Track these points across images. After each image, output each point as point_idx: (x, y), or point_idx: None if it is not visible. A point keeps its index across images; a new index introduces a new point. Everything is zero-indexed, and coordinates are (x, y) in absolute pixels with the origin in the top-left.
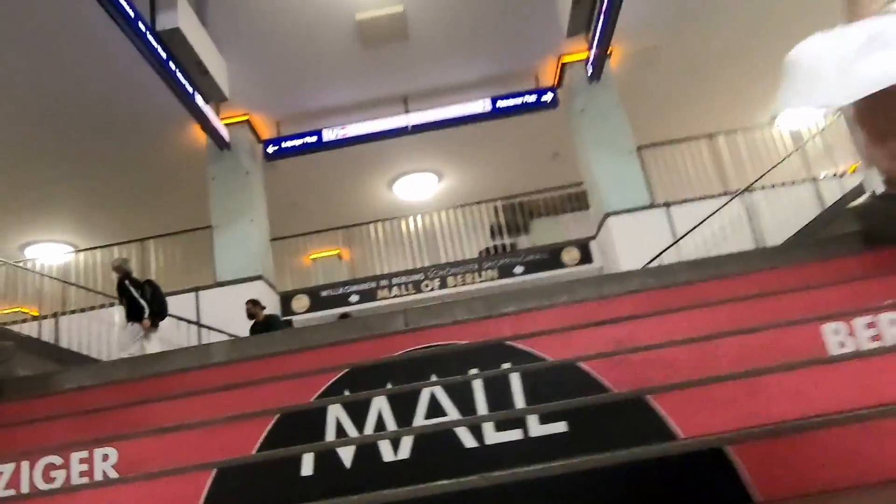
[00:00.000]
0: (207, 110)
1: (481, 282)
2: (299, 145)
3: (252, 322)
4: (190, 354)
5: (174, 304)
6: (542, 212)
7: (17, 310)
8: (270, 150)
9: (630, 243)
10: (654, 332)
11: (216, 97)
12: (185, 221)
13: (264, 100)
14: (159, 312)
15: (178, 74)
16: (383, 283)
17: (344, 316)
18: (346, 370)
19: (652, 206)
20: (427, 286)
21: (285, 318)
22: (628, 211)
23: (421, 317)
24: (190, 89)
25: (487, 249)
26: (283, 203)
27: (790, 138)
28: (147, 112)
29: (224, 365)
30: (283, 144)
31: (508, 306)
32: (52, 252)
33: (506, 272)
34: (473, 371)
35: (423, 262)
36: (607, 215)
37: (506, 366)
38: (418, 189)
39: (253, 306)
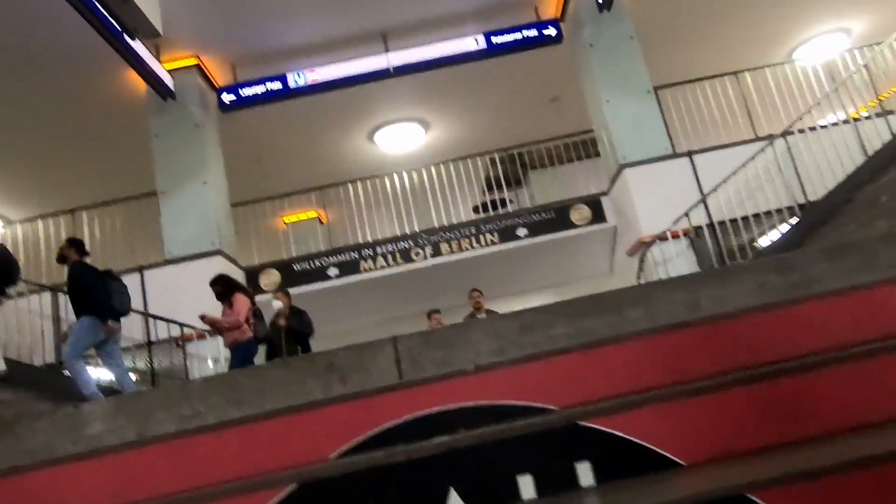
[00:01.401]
0: (142, 51)
1: (480, 248)
2: (261, 93)
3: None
4: (59, 422)
5: None
6: (541, 163)
7: None
8: (226, 98)
9: (650, 199)
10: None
11: (145, 32)
12: (125, 187)
13: (216, 38)
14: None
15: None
16: (367, 252)
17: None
18: (292, 487)
19: (675, 155)
20: (417, 254)
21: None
22: (646, 162)
23: (421, 352)
24: (114, 23)
25: (484, 204)
26: (245, 161)
27: (822, 73)
28: (68, 52)
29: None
30: (241, 92)
31: (556, 327)
32: None
33: (507, 235)
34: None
35: (413, 225)
36: (623, 167)
37: (583, 469)
38: (403, 141)
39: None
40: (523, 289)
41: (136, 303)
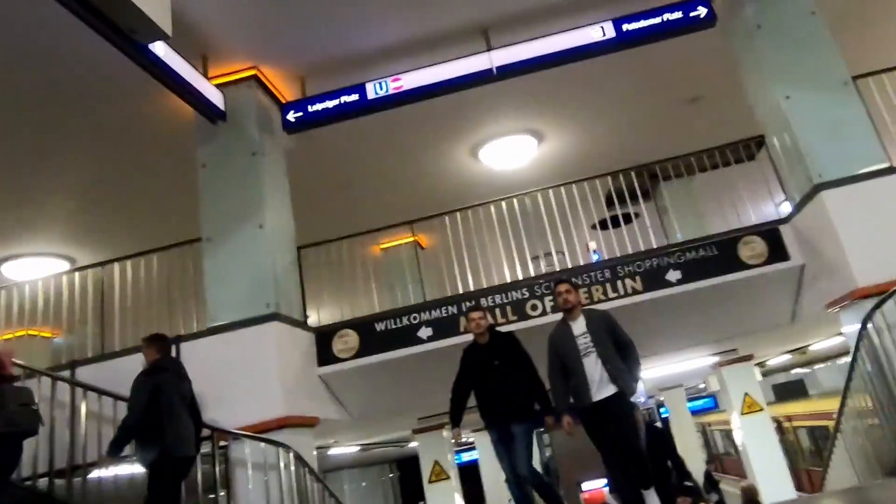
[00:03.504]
0: (176, 61)
1: (617, 297)
2: (334, 108)
3: None
4: None
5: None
6: (675, 171)
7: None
8: (292, 116)
9: (862, 232)
10: None
11: (147, 33)
12: (176, 233)
13: (278, 45)
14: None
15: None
16: (469, 305)
17: None
18: None
19: (892, 169)
20: (535, 308)
21: (323, 366)
22: (853, 180)
23: None
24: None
25: (603, 222)
26: (322, 192)
27: None
28: (106, 81)
29: None
30: (311, 108)
31: None
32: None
33: (654, 280)
34: None
35: (525, 260)
36: (818, 187)
37: None
38: (512, 156)
39: None
40: (673, 347)
41: None
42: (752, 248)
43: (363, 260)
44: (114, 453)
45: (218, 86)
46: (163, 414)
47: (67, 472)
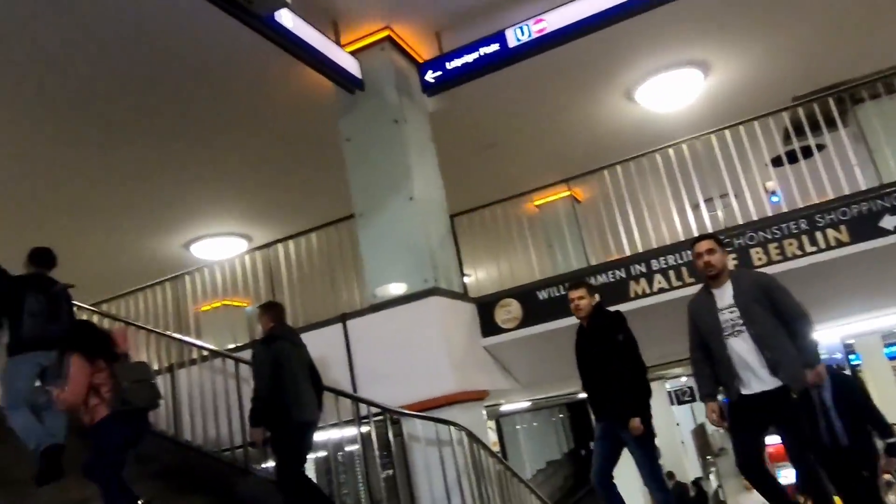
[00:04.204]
0: (307, 32)
1: (816, 252)
2: (474, 62)
3: None
4: None
5: (317, 343)
6: (871, 93)
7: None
8: (430, 77)
9: None
10: None
11: (264, 2)
12: (332, 210)
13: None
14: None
15: None
16: (637, 269)
17: None
18: None
19: None
20: None
21: (487, 337)
22: None
23: None
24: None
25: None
26: (468, 152)
27: None
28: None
29: None
30: (449, 65)
31: None
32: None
33: (865, 228)
34: None
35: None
36: None
37: None
38: (674, 94)
39: None
40: (881, 304)
41: (341, 364)
42: None
43: (518, 220)
44: (256, 424)
45: (352, 53)
46: (284, 381)
47: (244, 447)
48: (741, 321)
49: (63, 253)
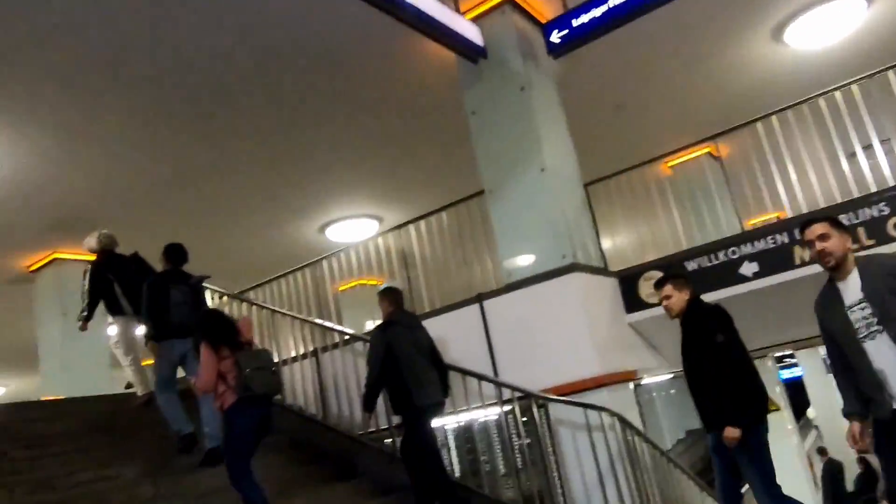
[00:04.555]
0: (426, 2)
1: None
2: (602, 16)
3: None
4: None
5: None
6: None
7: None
8: (555, 37)
9: None
10: None
11: None
12: (461, 187)
13: None
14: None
15: None
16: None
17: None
18: None
19: None
20: None
21: (632, 313)
22: None
23: None
24: None
25: None
26: (595, 115)
27: None
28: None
29: None
30: (575, 22)
31: None
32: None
33: None
34: None
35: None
36: None
37: None
38: (828, 28)
39: None
40: None
41: (480, 346)
42: None
43: (653, 184)
44: (368, 409)
45: (473, 20)
46: (401, 366)
47: (391, 431)
48: (875, 319)
49: (209, 247)
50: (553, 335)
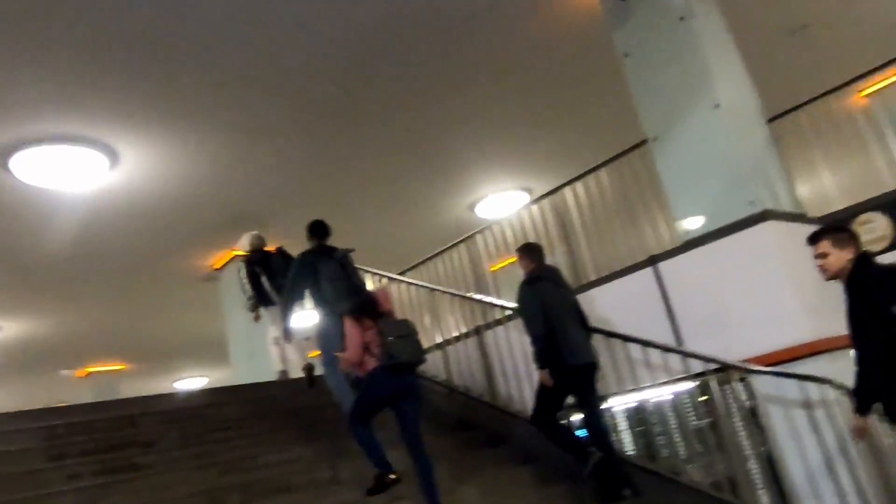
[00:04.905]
0: None
1: None
2: None
3: None
4: None
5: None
6: None
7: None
8: None
9: None
10: None
11: None
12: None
13: None
14: None
15: None
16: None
17: None
18: None
19: None
20: None
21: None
22: None
23: None
24: None
25: None
26: (769, 40)
27: None
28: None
29: None
30: None
31: None
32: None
33: None
34: None
35: None
36: None
37: None
38: None
39: None
40: None
41: (658, 314)
42: None
43: (846, 117)
44: (542, 366)
45: None
46: (551, 323)
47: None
48: None
49: (364, 231)
50: (747, 297)
